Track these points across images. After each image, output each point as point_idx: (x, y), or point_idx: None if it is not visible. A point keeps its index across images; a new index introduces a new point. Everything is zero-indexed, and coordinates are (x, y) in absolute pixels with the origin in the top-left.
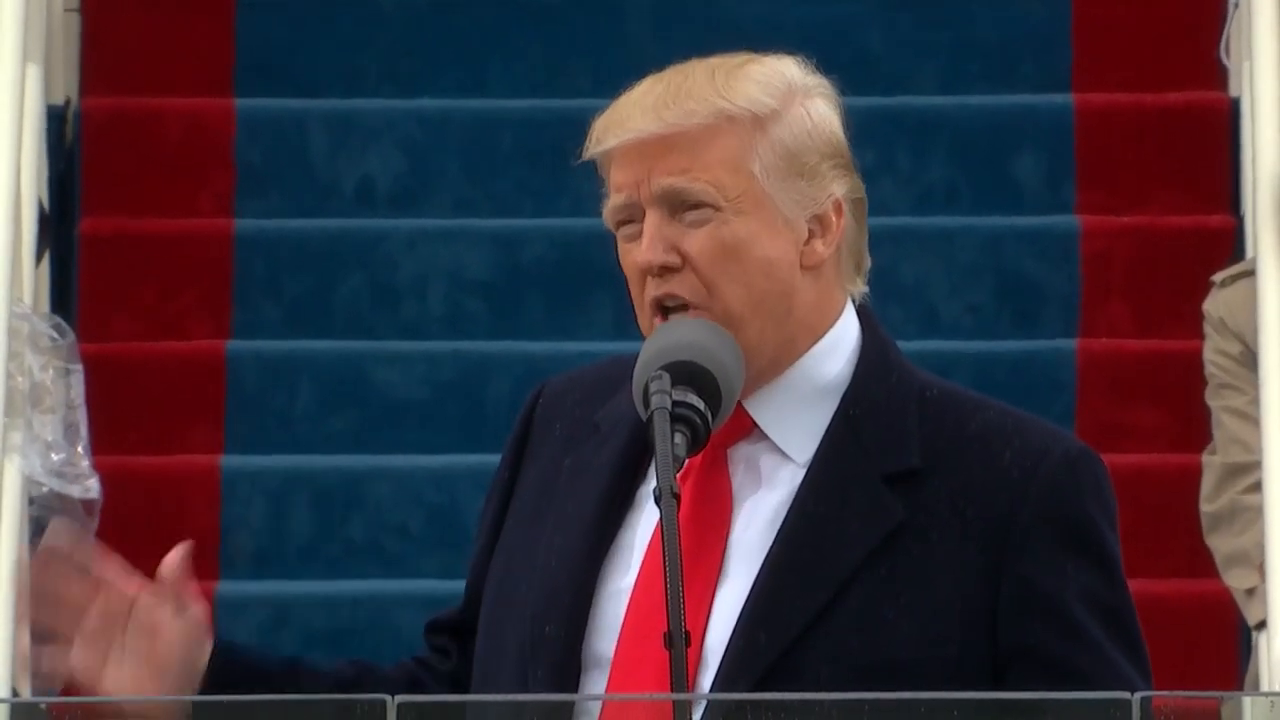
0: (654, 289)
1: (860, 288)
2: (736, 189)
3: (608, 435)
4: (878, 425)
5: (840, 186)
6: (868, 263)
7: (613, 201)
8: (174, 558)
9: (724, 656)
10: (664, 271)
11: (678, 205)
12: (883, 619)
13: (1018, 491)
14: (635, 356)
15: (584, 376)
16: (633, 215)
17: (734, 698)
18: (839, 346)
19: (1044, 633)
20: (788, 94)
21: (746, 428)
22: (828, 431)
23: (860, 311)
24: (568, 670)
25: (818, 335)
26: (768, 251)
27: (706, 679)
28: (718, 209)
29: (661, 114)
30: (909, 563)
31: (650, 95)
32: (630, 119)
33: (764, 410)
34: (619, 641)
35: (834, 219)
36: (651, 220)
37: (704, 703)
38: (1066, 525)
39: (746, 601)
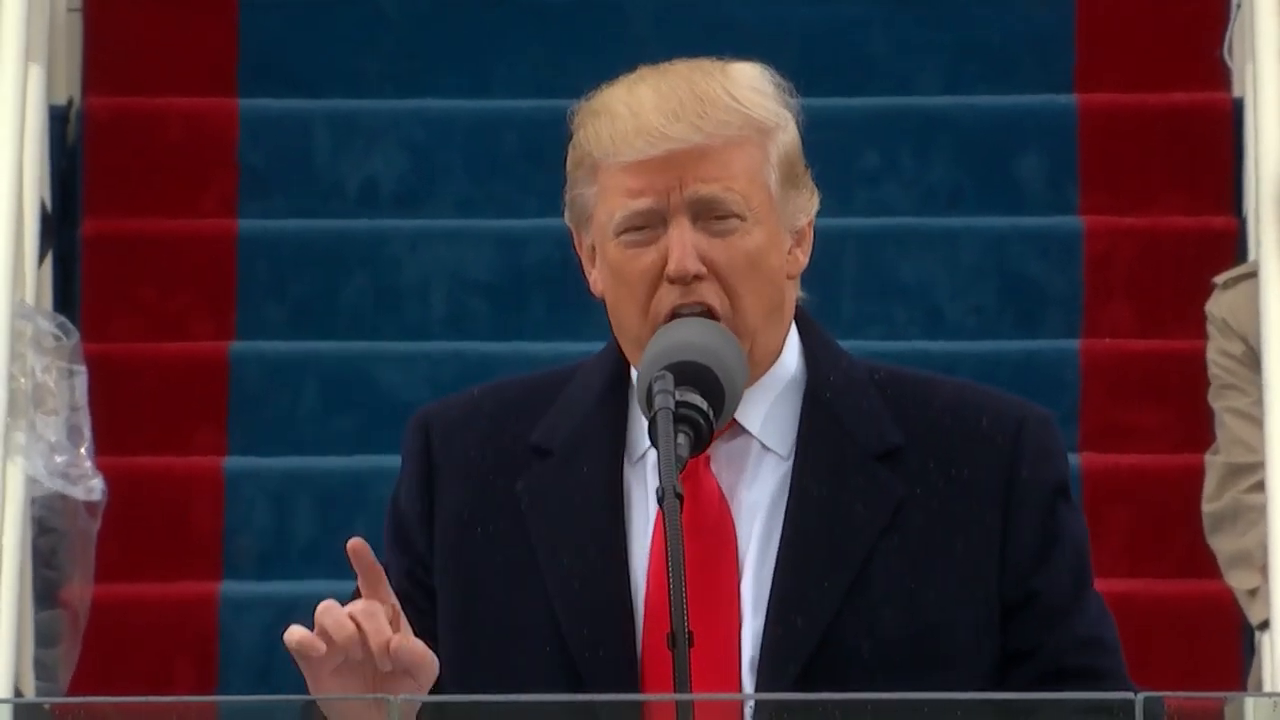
0: (676, 297)
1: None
2: (757, 199)
3: (570, 454)
4: (849, 408)
5: (815, 195)
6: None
7: (631, 206)
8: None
9: (763, 647)
10: (691, 280)
11: (705, 214)
12: (907, 589)
13: (1008, 453)
14: (526, 377)
15: (479, 404)
16: (649, 221)
17: (738, 698)
18: (790, 341)
19: (1047, 582)
20: (785, 103)
21: (725, 426)
22: (802, 420)
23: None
24: (624, 681)
25: (786, 337)
26: (774, 261)
27: (748, 672)
28: (743, 219)
29: (697, 123)
30: (917, 534)
31: (670, 102)
32: (663, 127)
33: (742, 407)
34: (642, 645)
35: (806, 228)
36: (680, 228)
37: (752, 702)
38: (1055, 480)
39: (772, 591)
